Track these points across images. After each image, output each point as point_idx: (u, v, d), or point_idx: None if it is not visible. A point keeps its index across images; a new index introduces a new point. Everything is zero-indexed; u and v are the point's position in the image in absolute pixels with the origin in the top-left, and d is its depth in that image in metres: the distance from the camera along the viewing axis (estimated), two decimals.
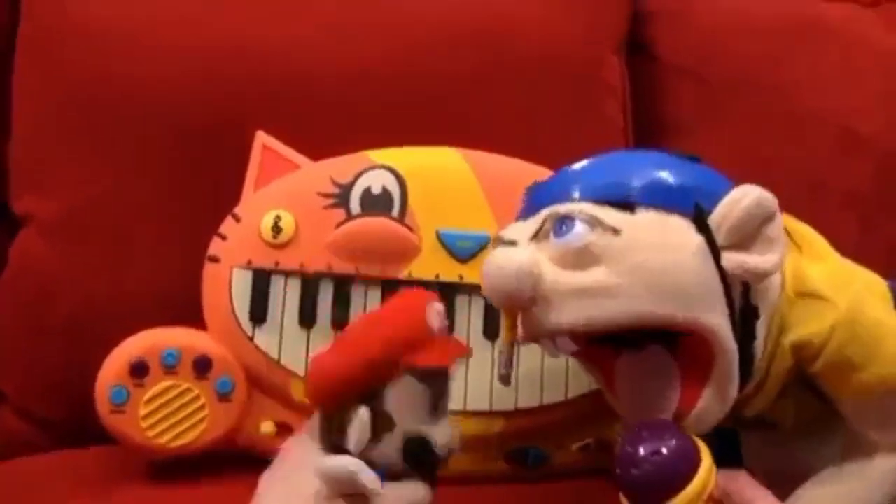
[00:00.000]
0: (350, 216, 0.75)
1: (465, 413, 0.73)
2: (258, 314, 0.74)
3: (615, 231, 0.54)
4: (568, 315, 0.54)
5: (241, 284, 0.74)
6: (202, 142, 0.83)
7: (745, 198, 0.55)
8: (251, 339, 0.74)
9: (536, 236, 0.57)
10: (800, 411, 0.64)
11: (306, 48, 0.86)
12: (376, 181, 0.77)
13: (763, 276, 0.56)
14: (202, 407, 0.72)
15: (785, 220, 0.58)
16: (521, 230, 0.58)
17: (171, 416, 0.71)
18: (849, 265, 0.63)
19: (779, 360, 0.59)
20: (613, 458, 0.57)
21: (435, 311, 0.57)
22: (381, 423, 0.56)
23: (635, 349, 0.59)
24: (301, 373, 0.73)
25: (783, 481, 0.61)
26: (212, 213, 0.77)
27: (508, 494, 0.75)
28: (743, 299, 0.57)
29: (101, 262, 0.82)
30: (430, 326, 0.57)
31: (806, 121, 0.97)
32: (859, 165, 0.95)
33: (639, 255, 0.54)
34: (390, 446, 0.56)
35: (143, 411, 0.71)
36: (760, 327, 0.58)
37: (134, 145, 0.83)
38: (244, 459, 0.71)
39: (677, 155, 0.60)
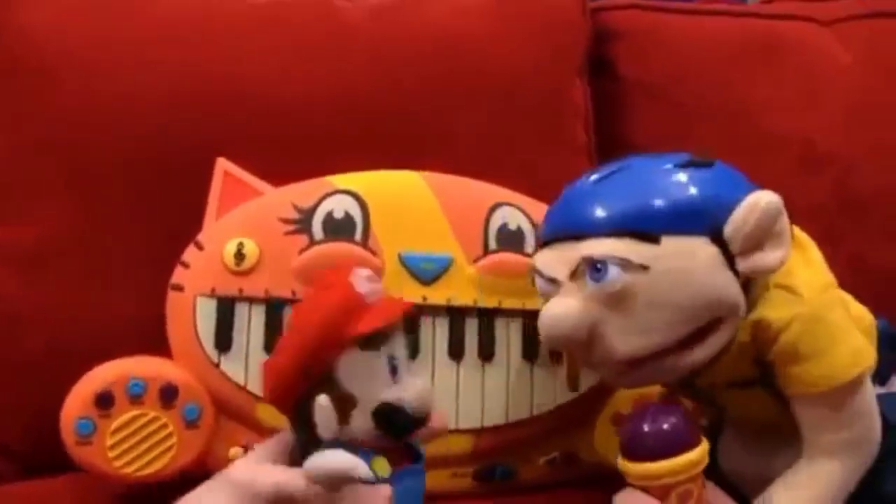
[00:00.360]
0: (313, 241, 0.76)
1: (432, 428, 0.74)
2: (223, 341, 0.74)
3: (644, 268, 0.58)
4: (617, 352, 0.60)
5: (206, 312, 0.74)
6: (167, 170, 0.83)
7: (754, 210, 0.59)
8: (217, 366, 0.74)
9: (573, 277, 0.61)
10: (750, 406, 0.66)
11: (269, 76, 0.86)
12: (338, 206, 0.77)
13: (774, 270, 0.60)
14: (170, 435, 0.72)
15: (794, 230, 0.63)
16: (556, 265, 0.62)
17: (138, 445, 0.71)
18: (834, 284, 0.65)
19: (737, 335, 0.61)
20: (622, 431, 0.61)
21: (361, 277, 0.57)
22: (343, 404, 0.56)
23: None
24: None
25: (759, 485, 0.64)
26: (177, 241, 0.76)
27: None
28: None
29: (68, 292, 0.82)
30: (360, 294, 0.56)
31: (768, 139, 0.99)
32: (820, 181, 0.97)
33: (667, 286, 0.59)
34: (361, 421, 0.56)
35: (109, 441, 0.70)
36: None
37: (102, 172, 0.83)
38: None
39: (691, 161, 0.63)
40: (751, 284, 0.61)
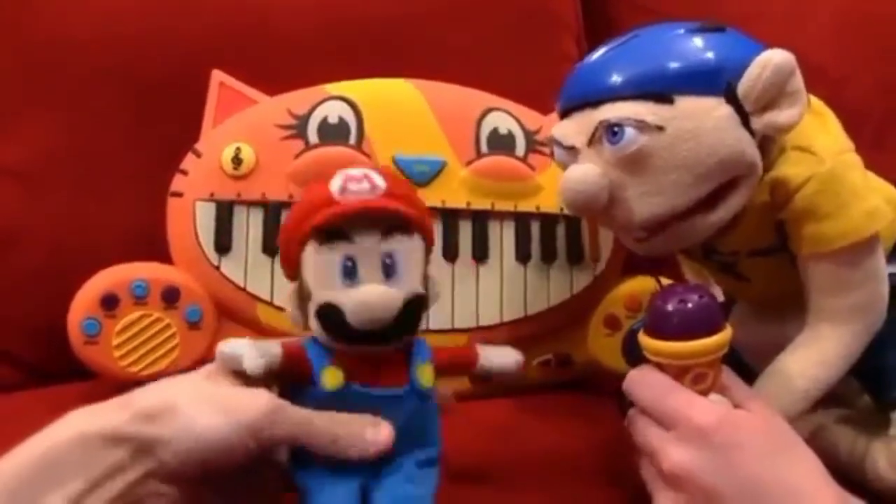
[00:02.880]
0: (308, 146, 0.77)
1: (428, 332, 0.75)
2: (223, 244, 0.75)
3: (660, 128, 0.58)
4: (637, 214, 0.60)
5: (205, 216, 0.75)
6: (162, 84, 0.84)
7: (766, 67, 0.58)
8: (217, 268, 0.75)
9: (591, 143, 0.61)
10: (772, 276, 0.67)
11: None
12: (332, 111, 0.78)
13: (788, 128, 0.60)
14: (173, 335, 0.74)
15: (812, 98, 0.63)
16: (573, 132, 0.63)
17: (143, 345, 0.73)
18: (852, 149, 0.65)
19: (756, 195, 0.62)
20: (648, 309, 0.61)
21: (343, 174, 0.54)
22: (303, 295, 0.54)
23: None
24: (267, 298, 0.75)
25: (770, 355, 0.65)
26: (174, 152, 0.77)
27: (474, 410, 0.77)
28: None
29: (67, 204, 0.84)
30: (330, 192, 0.53)
31: None
32: (812, 94, 0.99)
33: (683, 146, 0.58)
34: (311, 316, 0.53)
35: (115, 341, 0.72)
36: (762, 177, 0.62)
37: (96, 87, 0.84)
38: None
39: (702, 27, 0.63)
40: (768, 145, 0.62)
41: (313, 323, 0.53)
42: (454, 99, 0.82)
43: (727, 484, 0.54)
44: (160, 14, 0.85)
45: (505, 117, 0.82)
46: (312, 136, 0.77)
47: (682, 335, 0.58)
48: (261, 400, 0.50)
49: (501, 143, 0.81)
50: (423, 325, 0.58)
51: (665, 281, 0.76)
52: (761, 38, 0.98)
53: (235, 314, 0.76)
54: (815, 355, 0.63)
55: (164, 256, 0.77)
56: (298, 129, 0.77)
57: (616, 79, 0.61)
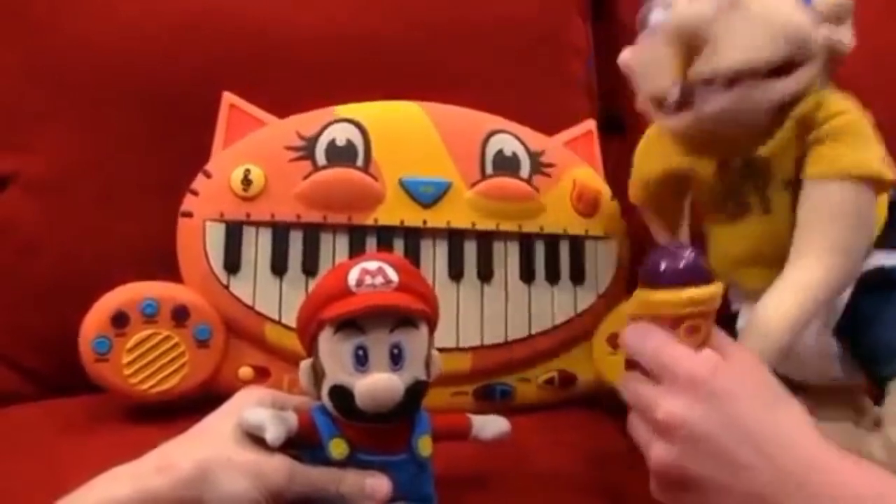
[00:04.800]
0: (316, 167, 0.78)
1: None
2: (232, 264, 0.77)
3: None
4: (725, 60, 0.63)
5: (215, 236, 0.77)
6: (176, 104, 0.85)
7: None
8: (226, 287, 0.76)
9: None
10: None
11: (274, 12, 0.88)
12: (340, 134, 0.79)
13: (842, 48, 0.66)
14: (182, 353, 0.75)
15: None
16: None
17: (152, 363, 0.74)
18: None
19: (800, 107, 0.66)
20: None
21: (360, 266, 0.59)
22: (317, 373, 0.60)
23: None
24: (275, 317, 0.76)
25: None
26: (185, 171, 0.79)
27: None
28: None
29: (81, 219, 0.85)
30: (348, 283, 0.58)
31: None
32: None
33: (773, 6, 0.64)
34: (325, 395, 0.59)
35: (125, 359, 0.73)
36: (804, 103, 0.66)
37: (114, 103, 0.85)
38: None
39: None
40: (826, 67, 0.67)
41: (325, 399, 0.59)
42: (460, 121, 0.84)
43: (720, 431, 0.55)
44: (176, 36, 0.86)
45: (509, 139, 0.83)
46: (321, 158, 0.79)
47: (676, 285, 0.60)
48: (281, 465, 0.58)
49: (506, 164, 0.82)
50: None
51: None
52: None
53: (244, 333, 0.77)
54: (794, 290, 0.64)
55: (175, 272, 0.78)
56: (307, 150, 0.79)
57: None
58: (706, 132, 0.68)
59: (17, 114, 0.86)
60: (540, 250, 0.83)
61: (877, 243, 0.68)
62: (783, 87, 0.65)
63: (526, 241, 0.82)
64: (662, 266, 0.61)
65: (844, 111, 0.65)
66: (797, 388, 0.68)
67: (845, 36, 0.66)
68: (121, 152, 0.85)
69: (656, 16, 0.68)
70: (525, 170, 0.83)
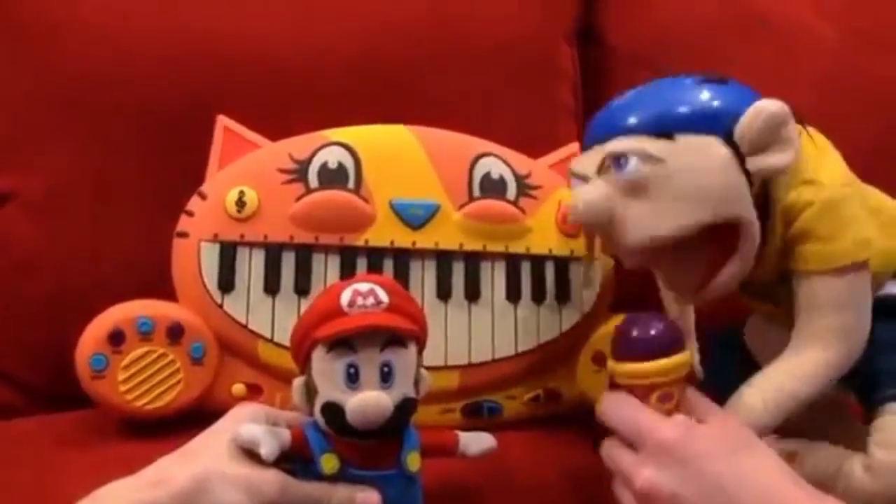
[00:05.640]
0: (309, 190, 0.80)
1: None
2: (226, 283, 0.78)
3: (661, 160, 0.65)
4: (633, 235, 0.66)
5: (209, 256, 0.78)
6: (171, 126, 0.87)
7: (761, 113, 0.65)
8: (220, 306, 0.78)
9: (600, 171, 0.68)
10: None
11: (267, 37, 0.91)
12: (332, 157, 0.81)
13: (781, 171, 0.66)
14: (177, 371, 0.76)
15: (812, 132, 0.71)
16: (587, 163, 0.69)
17: (148, 380, 0.75)
18: (855, 180, 0.71)
19: (774, 230, 0.68)
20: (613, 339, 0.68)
21: (352, 288, 0.62)
22: (310, 390, 0.62)
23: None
24: (268, 336, 0.78)
25: None
26: (180, 192, 0.80)
27: None
28: (762, 187, 0.68)
29: (78, 238, 0.87)
30: (341, 303, 0.61)
31: None
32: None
33: (681, 177, 0.65)
34: (317, 410, 0.61)
35: (121, 376, 0.75)
36: (774, 208, 0.68)
37: (108, 128, 0.87)
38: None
39: (706, 78, 0.69)
40: (775, 185, 0.68)
41: (318, 415, 0.61)
42: (448, 145, 0.85)
43: (694, 492, 0.59)
44: (172, 60, 0.88)
45: (496, 162, 0.85)
46: (313, 180, 0.80)
47: (646, 356, 0.64)
48: (275, 479, 0.60)
49: (493, 187, 0.84)
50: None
51: None
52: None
53: (237, 351, 0.79)
54: (791, 370, 0.67)
55: (170, 291, 0.80)
56: (299, 173, 0.80)
57: (625, 119, 0.68)
58: None
59: (17, 134, 0.88)
60: (526, 271, 0.85)
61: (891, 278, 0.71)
62: (731, 271, 0.67)
63: (512, 262, 0.84)
64: (632, 339, 0.65)
65: (809, 201, 0.66)
66: None
67: (780, 158, 0.65)
68: (117, 173, 0.87)
69: (574, 184, 0.71)
70: (511, 192, 0.85)
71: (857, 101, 1.05)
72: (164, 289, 0.80)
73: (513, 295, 0.84)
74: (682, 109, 0.66)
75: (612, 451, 0.65)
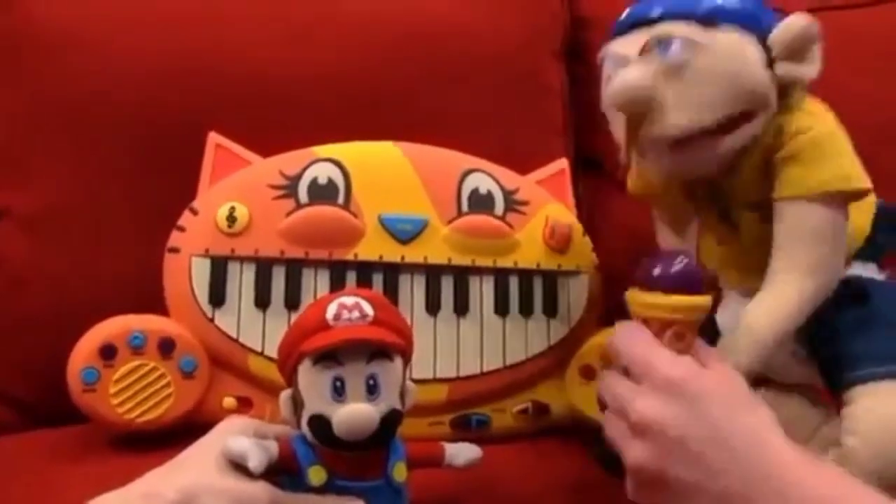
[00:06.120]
0: (299, 205, 0.81)
1: (411, 381, 0.79)
2: (217, 298, 0.79)
3: (703, 48, 0.66)
4: (671, 122, 0.67)
5: (200, 271, 0.79)
6: (163, 142, 0.88)
7: (796, 25, 0.68)
8: (211, 320, 0.79)
9: (642, 52, 0.68)
10: (762, 236, 0.71)
11: (261, 53, 0.92)
12: (322, 173, 0.82)
13: (805, 81, 0.69)
14: (168, 384, 0.77)
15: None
16: (629, 45, 0.70)
17: (139, 394, 0.76)
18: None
19: (763, 136, 0.69)
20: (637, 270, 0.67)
21: (337, 302, 0.62)
22: (297, 403, 0.63)
23: None
24: (258, 349, 0.79)
25: None
26: (172, 208, 0.81)
27: None
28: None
29: (70, 254, 0.87)
30: (327, 317, 0.61)
31: None
32: None
33: (719, 66, 0.67)
34: (304, 423, 0.62)
35: (112, 389, 0.75)
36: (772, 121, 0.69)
37: (101, 146, 0.88)
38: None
39: None
40: (786, 94, 0.69)
41: (304, 428, 0.62)
42: (437, 161, 0.87)
43: (693, 432, 0.58)
44: (164, 78, 0.89)
45: (484, 178, 0.87)
46: (303, 196, 0.81)
47: (668, 290, 0.63)
48: (263, 491, 0.61)
49: (481, 202, 0.85)
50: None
51: None
52: None
53: (228, 364, 0.79)
54: (774, 305, 0.68)
55: (160, 306, 0.80)
56: (290, 189, 0.81)
57: (671, 4, 0.69)
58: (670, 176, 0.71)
59: (11, 150, 0.89)
60: (514, 285, 0.86)
61: (856, 255, 0.72)
62: (731, 141, 0.68)
63: (500, 276, 0.85)
64: (657, 270, 0.64)
65: (805, 128, 0.68)
66: (760, 381, 0.72)
67: (808, 69, 0.68)
68: (110, 189, 0.88)
69: (608, 67, 0.72)
70: (499, 207, 0.86)
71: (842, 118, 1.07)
72: (156, 303, 0.80)
73: (501, 309, 0.85)
74: (729, 3, 0.68)
75: (611, 380, 0.64)
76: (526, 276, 0.86)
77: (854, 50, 1.11)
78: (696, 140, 0.67)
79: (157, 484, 0.60)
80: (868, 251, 0.73)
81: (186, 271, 0.79)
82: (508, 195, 0.87)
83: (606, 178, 1.06)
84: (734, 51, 0.67)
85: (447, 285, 0.84)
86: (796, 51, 0.68)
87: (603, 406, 0.66)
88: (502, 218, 0.85)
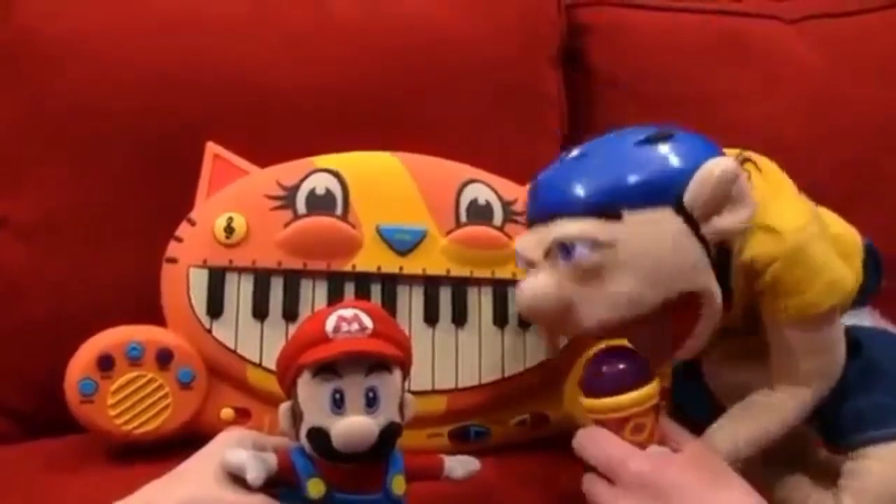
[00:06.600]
0: (297, 216, 0.81)
1: (410, 392, 0.79)
2: (215, 309, 0.79)
3: (610, 245, 0.63)
4: (588, 321, 0.65)
5: (198, 282, 0.79)
6: (160, 152, 0.88)
7: (709, 178, 0.62)
8: (209, 331, 0.79)
9: (547, 256, 0.65)
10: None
11: (259, 62, 0.92)
12: (320, 183, 0.82)
13: (737, 232, 0.64)
14: (166, 395, 0.77)
15: (756, 157, 0.69)
16: (532, 247, 0.67)
17: (137, 405, 0.76)
18: (814, 216, 0.69)
19: (737, 277, 0.67)
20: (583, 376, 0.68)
21: (337, 314, 0.62)
22: (296, 415, 0.62)
23: None
24: (256, 360, 0.79)
25: (739, 395, 0.71)
26: (169, 217, 0.81)
27: None
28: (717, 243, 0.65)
29: (68, 263, 0.87)
30: (326, 330, 0.61)
31: (730, 129, 1.02)
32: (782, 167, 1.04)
33: (633, 260, 0.63)
34: (303, 435, 0.62)
35: (110, 400, 0.75)
36: (735, 259, 0.66)
37: (101, 152, 0.88)
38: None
39: (650, 136, 0.66)
40: (732, 239, 0.65)
41: (303, 440, 0.62)
42: (435, 171, 0.87)
43: None
44: (162, 88, 0.89)
45: (483, 188, 0.87)
46: (301, 207, 0.81)
47: (615, 391, 0.65)
48: None
49: (480, 213, 0.85)
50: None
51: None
52: (735, 115, 1.04)
53: (226, 375, 0.79)
54: (765, 409, 0.68)
55: (158, 316, 0.80)
56: (287, 199, 0.81)
57: (567, 197, 0.65)
58: None
59: (8, 159, 0.89)
60: (512, 296, 0.84)
61: (850, 308, 0.71)
62: (689, 346, 0.67)
63: (499, 287, 0.85)
64: (599, 375, 0.66)
65: (772, 257, 0.64)
66: None
67: (741, 214, 0.63)
68: (108, 198, 0.88)
69: (519, 264, 0.70)
70: (498, 218, 0.86)
71: (836, 122, 1.07)
72: (153, 314, 0.80)
73: (499, 320, 0.85)
74: (629, 182, 0.63)
75: (591, 485, 0.66)
76: None
77: (852, 57, 1.12)
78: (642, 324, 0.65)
79: (155, 496, 0.60)
80: (857, 296, 0.71)
81: (184, 282, 0.79)
82: (507, 206, 0.87)
83: None
84: (648, 237, 0.63)
85: (445, 296, 0.84)
86: (720, 203, 0.63)
87: None
88: (501, 229, 0.85)
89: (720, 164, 0.63)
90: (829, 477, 0.70)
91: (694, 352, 0.68)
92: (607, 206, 0.63)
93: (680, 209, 0.63)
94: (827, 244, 0.68)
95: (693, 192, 0.63)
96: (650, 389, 0.65)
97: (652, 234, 0.63)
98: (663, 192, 0.63)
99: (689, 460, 0.63)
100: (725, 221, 0.63)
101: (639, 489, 0.61)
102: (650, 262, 0.63)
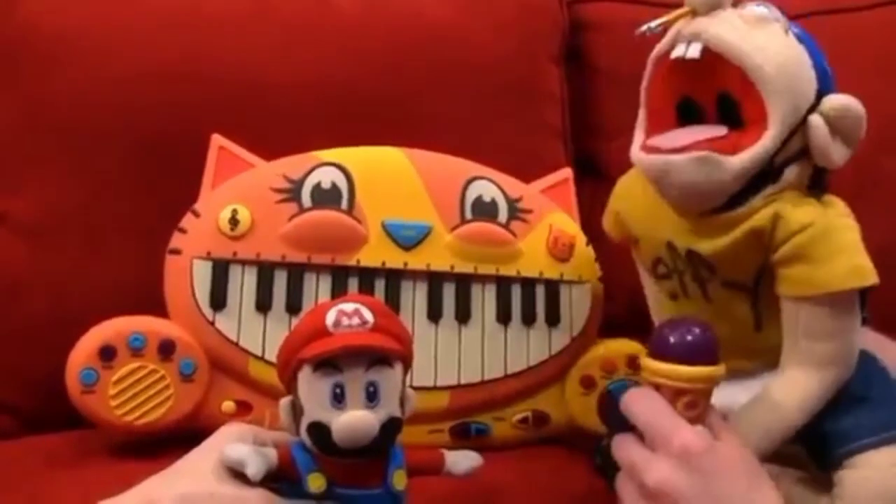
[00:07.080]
0: (302, 209, 0.80)
1: (412, 388, 0.78)
2: (218, 301, 0.78)
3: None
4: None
5: (202, 274, 0.79)
6: (164, 146, 0.88)
7: (854, 106, 0.67)
8: (212, 323, 0.78)
9: None
10: (734, 314, 0.71)
11: (260, 58, 0.92)
12: (326, 177, 0.82)
13: (831, 161, 0.67)
14: (167, 387, 0.76)
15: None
16: None
17: (138, 396, 0.75)
18: (856, 225, 0.69)
19: (757, 218, 0.67)
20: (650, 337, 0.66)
21: (337, 308, 0.62)
22: (297, 409, 0.62)
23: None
24: (258, 353, 0.78)
25: None
26: (172, 211, 0.81)
27: None
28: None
29: (69, 258, 0.87)
30: (326, 324, 0.61)
31: None
32: None
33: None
34: (303, 430, 0.61)
35: (111, 391, 0.75)
36: (792, 168, 0.68)
37: (102, 149, 0.88)
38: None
39: None
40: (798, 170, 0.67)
41: (304, 435, 0.61)
42: (441, 167, 0.86)
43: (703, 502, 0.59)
44: (164, 82, 0.89)
45: (488, 185, 0.86)
46: (306, 200, 0.81)
47: (682, 360, 0.63)
48: (261, 499, 0.60)
49: (485, 210, 0.85)
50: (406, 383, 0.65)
51: None
52: None
53: (228, 368, 0.79)
54: (785, 398, 0.67)
55: (160, 310, 0.80)
56: (293, 193, 0.81)
57: None
58: (667, 185, 0.70)
59: (8, 156, 0.89)
60: (516, 293, 0.85)
61: None
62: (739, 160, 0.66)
63: (503, 285, 0.85)
64: (671, 340, 0.64)
65: (808, 222, 0.65)
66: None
67: (839, 151, 0.66)
68: (108, 196, 0.88)
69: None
70: (503, 215, 0.86)
71: None
72: (155, 309, 0.80)
73: (503, 317, 0.85)
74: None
75: (625, 443, 0.64)
76: (528, 284, 0.86)
77: (855, 53, 1.11)
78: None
79: (155, 490, 0.59)
80: None
81: (187, 273, 0.79)
82: (512, 203, 0.87)
83: (606, 184, 1.06)
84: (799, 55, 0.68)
85: (449, 293, 0.84)
86: (837, 128, 0.66)
87: (608, 464, 0.67)
88: (506, 226, 0.85)
89: (862, 110, 0.67)
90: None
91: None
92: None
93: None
94: (859, 238, 0.68)
95: (835, 102, 0.66)
96: (717, 370, 0.63)
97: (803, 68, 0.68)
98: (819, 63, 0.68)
99: (733, 452, 0.62)
100: (835, 149, 0.66)
101: (681, 461, 0.60)
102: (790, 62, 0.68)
